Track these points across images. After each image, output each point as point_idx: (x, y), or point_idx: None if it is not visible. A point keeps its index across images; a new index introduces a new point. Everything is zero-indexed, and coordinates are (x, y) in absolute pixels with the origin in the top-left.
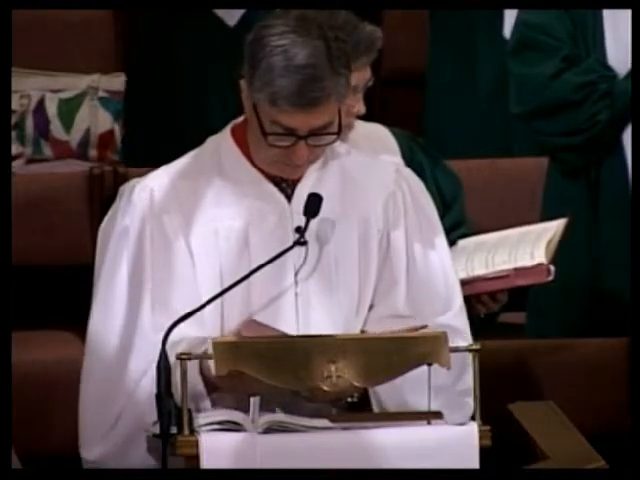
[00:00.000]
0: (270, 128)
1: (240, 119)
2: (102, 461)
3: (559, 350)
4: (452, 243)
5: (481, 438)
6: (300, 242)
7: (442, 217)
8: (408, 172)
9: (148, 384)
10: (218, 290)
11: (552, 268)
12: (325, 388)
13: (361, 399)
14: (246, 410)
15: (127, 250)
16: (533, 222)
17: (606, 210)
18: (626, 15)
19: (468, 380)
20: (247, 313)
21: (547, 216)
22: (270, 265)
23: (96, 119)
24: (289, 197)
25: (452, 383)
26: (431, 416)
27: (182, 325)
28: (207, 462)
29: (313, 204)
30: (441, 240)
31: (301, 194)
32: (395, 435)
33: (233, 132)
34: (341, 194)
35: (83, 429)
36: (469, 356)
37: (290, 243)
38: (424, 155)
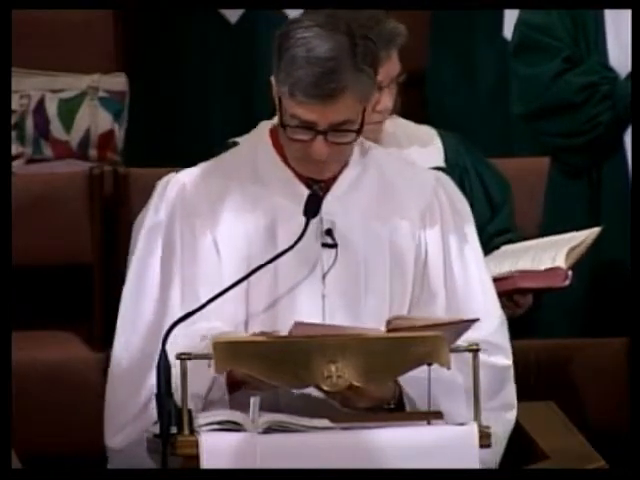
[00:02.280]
0: (289, 121)
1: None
2: (124, 450)
3: (559, 350)
4: (496, 248)
5: (481, 438)
6: (329, 244)
7: (489, 221)
8: (447, 180)
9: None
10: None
11: (570, 273)
12: (325, 388)
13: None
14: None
15: (157, 245)
16: (533, 223)
17: (607, 210)
18: (628, 16)
19: (509, 395)
20: (273, 313)
21: (548, 217)
22: (298, 266)
23: (96, 119)
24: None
25: (490, 398)
26: (431, 416)
27: (210, 322)
28: (207, 462)
29: (313, 204)
30: (478, 253)
31: (334, 196)
32: (395, 435)
33: (271, 132)
34: (377, 200)
35: (107, 418)
36: (509, 371)
37: (319, 245)
38: (471, 159)
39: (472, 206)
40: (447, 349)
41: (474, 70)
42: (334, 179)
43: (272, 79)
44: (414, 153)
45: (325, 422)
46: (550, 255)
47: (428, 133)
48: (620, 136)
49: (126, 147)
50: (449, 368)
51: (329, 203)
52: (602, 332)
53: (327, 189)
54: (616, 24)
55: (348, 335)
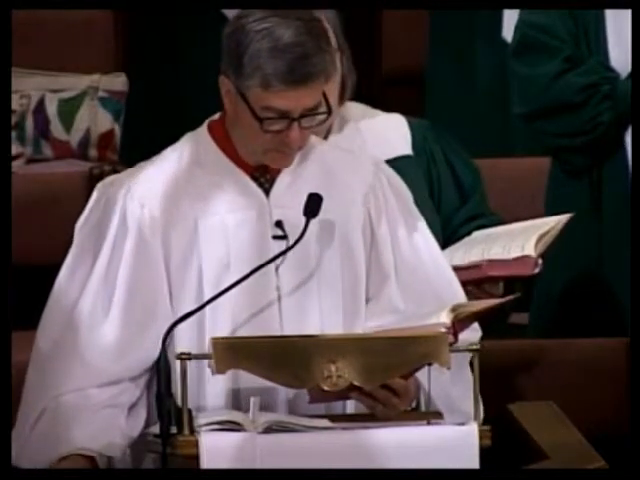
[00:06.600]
0: (263, 114)
1: (215, 116)
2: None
3: (559, 350)
4: (468, 234)
5: (481, 438)
6: (280, 236)
7: (459, 208)
8: (384, 165)
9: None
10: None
11: (540, 261)
12: (325, 388)
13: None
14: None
15: (102, 255)
16: None
17: (608, 210)
18: (629, 16)
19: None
20: (229, 307)
21: (549, 216)
22: (250, 260)
23: (96, 119)
24: (267, 191)
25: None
26: (431, 416)
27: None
28: (207, 462)
29: (313, 204)
30: (427, 232)
31: (280, 188)
32: (395, 435)
33: (210, 128)
34: (320, 188)
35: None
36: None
37: (269, 237)
38: (441, 146)
39: (440, 194)
40: (447, 349)
41: (474, 70)
42: (277, 171)
43: (222, 79)
44: (380, 142)
45: (325, 422)
46: (519, 243)
47: (397, 122)
48: (621, 136)
49: (126, 147)
50: (449, 368)
51: (276, 195)
52: (602, 332)
53: (272, 181)
54: (617, 24)
55: (348, 335)
